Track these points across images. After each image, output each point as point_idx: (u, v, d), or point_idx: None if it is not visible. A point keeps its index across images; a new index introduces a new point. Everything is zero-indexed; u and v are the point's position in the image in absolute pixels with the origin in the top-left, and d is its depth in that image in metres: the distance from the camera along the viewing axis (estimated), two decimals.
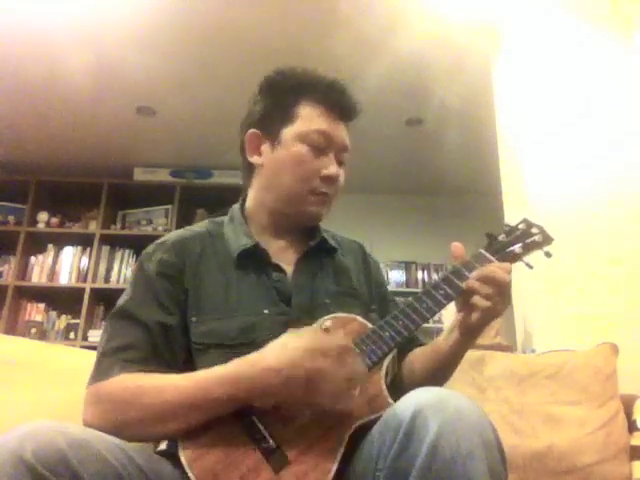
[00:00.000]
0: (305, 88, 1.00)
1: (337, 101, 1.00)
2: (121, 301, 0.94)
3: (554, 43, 2.22)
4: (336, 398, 0.77)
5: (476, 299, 0.83)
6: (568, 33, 2.23)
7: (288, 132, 0.99)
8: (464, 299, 0.85)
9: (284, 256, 1.02)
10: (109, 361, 0.86)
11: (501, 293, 0.83)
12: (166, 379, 0.82)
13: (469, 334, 0.91)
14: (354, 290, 1.04)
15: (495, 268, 0.84)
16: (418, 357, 1.01)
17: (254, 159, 1.03)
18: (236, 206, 1.09)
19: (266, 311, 0.93)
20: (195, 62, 2.87)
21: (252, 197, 1.06)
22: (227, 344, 0.89)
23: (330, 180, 0.98)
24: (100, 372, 0.86)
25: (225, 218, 1.09)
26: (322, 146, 0.98)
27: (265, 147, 1.02)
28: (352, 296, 1.01)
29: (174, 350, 0.90)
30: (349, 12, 2.43)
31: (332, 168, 0.98)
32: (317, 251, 1.04)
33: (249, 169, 1.06)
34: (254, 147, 1.03)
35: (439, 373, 0.98)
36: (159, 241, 1.02)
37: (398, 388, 0.90)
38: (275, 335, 0.85)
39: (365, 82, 2.62)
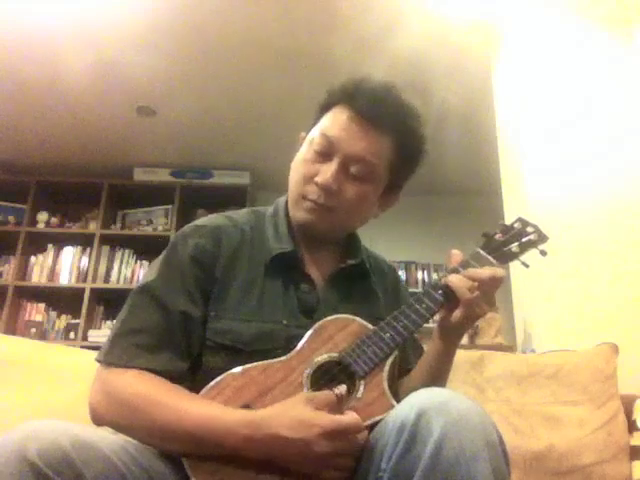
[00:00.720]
0: (343, 92, 0.96)
1: (363, 107, 0.92)
2: (148, 278, 0.91)
3: (554, 43, 2.22)
4: (338, 473, 0.74)
5: (458, 288, 0.83)
6: (568, 33, 2.23)
7: (310, 133, 0.98)
8: (448, 296, 0.86)
9: (317, 268, 0.99)
10: (123, 343, 0.85)
11: (482, 290, 0.84)
12: (179, 399, 0.80)
13: (447, 337, 0.91)
14: (379, 320, 0.99)
15: (480, 270, 0.85)
16: (412, 374, 1.00)
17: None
18: (282, 200, 1.05)
19: (285, 321, 0.91)
20: (195, 62, 2.87)
21: None
22: (239, 349, 0.87)
23: (319, 187, 0.92)
24: (113, 354, 0.85)
25: (268, 210, 1.05)
26: (322, 151, 0.93)
27: None
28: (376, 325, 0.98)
29: (191, 341, 0.88)
30: (349, 12, 2.43)
31: (323, 175, 0.91)
32: (351, 271, 1.01)
33: None
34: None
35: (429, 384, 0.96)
36: (198, 223, 0.99)
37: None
38: (290, 347, 0.85)
39: None
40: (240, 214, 1.03)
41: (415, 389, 0.86)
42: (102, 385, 0.83)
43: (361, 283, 1.03)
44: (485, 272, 0.84)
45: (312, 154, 0.94)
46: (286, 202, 1.03)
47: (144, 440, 0.78)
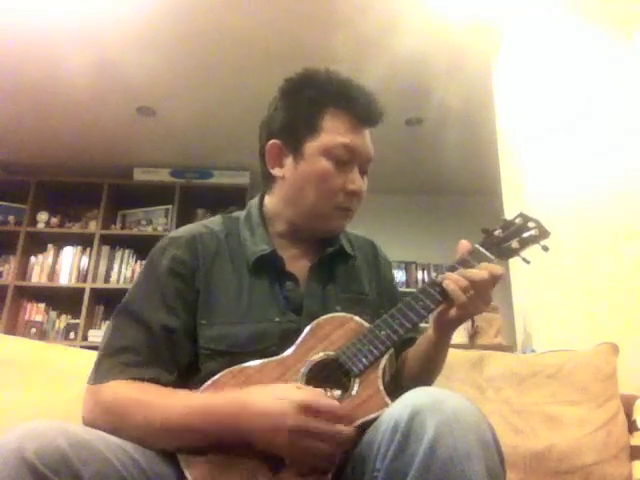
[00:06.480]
0: (329, 97, 0.96)
1: (362, 110, 0.96)
2: (128, 297, 0.93)
3: (554, 43, 2.22)
4: (319, 459, 0.74)
5: (452, 291, 0.84)
6: (568, 33, 2.23)
7: (312, 146, 0.95)
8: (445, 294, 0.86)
9: (298, 263, 1.00)
10: (109, 363, 0.86)
11: (477, 290, 0.83)
12: (164, 396, 0.82)
13: (442, 330, 0.91)
14: (364, 297, 1.02)
15: (475, 271, 0.85)
16: (409, 356, 1.02)
17: (275, 171, 0.99)
18: (254, 203, 1.06)
19: (277, 319, 0.92)
20: (195, 62, 2.87)
21: (271, 204, 1.03)
22: (235, 352, 0.88)
23: (355, 195, 0.97)
24: (100, 373, 0.86)
25: (241, 215, 1.05)
26: (346, 160, 0.95)
27: (288, 160, 0.97)
28: (362, 302, 0.99)
29: (176, 354, 0.89)
30: (349, 12, 2.43)
31: (357, 182, 0.96)
32: (331, 256, 1.02)
33: (268, 177, 1.02)
34: (275, 158, 0.99)
35: (425, 372, 0.98)
36: (173, 235, 0.99)
37: (397, 386, 0.90)
38: (284, 344, 0.86)
39: (365, 82, 2.62)
40: (214, 221, 1.04)
41: (411, 377, 0.90)
42: (92, 396, 0.85)
43: (343, 265, 1.04)
44: (479, 273, 0.84)
45: (334, 165, 0.95)
46: (260, 204, 1.04)
47: (140, 441, 0.78)
